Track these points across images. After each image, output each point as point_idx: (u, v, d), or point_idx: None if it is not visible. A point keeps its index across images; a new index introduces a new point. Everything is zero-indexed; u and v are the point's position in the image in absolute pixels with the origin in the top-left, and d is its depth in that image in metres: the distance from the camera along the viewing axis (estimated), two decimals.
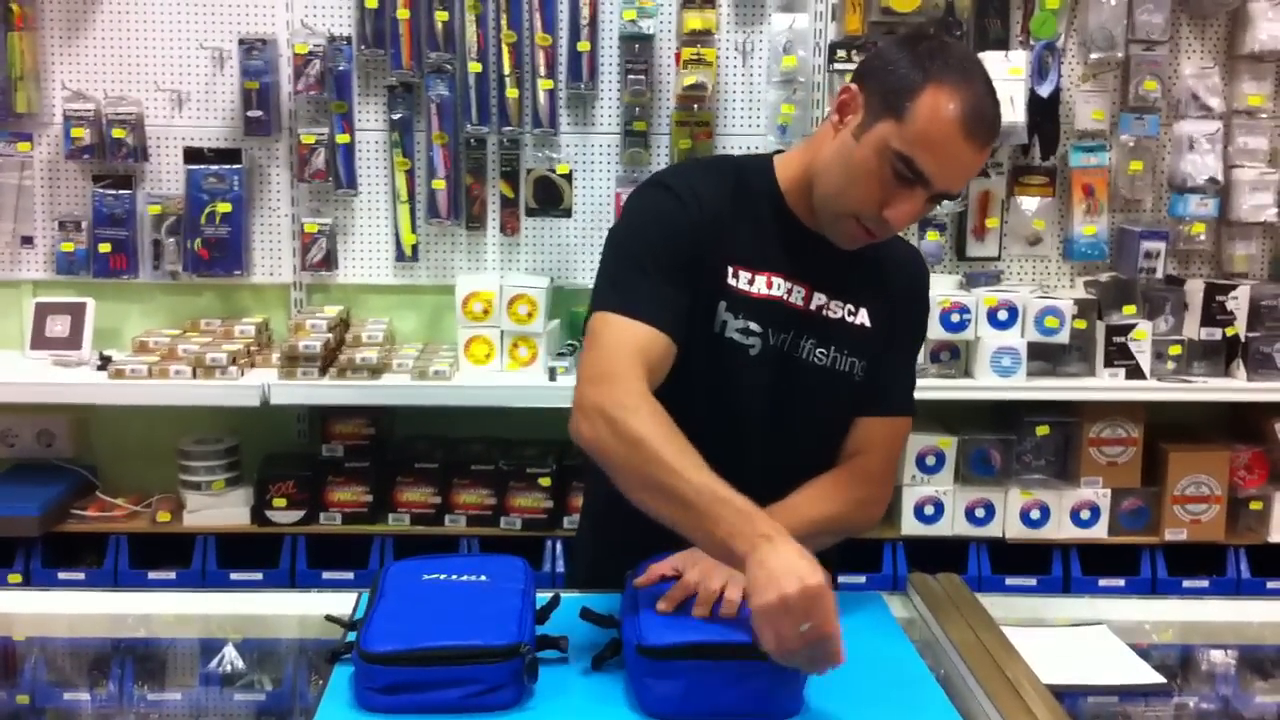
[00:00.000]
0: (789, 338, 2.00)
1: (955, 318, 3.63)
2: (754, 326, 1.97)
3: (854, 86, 1.89)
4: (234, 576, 3.62)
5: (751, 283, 1.98)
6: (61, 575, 3.61)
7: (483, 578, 1.79)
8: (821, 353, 2.02)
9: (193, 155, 3.75)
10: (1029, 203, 3.88)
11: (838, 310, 2.03)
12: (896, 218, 1.86)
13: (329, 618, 1.82)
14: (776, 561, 1.60)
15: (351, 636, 1.70)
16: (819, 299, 2.02)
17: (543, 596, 1.84)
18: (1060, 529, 3.78)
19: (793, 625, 1.57)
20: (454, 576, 1.80)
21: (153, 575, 3.63)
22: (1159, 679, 1.94)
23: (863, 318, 2.05)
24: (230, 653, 2.05)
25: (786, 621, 1.57)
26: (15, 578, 3.57)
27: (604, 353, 1.87)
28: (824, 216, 1.97)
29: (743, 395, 2.01)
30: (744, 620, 1.67)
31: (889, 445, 2.13)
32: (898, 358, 2.13)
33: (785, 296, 2.00)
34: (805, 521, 1.90)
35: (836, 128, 1.92)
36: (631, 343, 1.86)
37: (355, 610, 1.87)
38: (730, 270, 1.97)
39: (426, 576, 1.79)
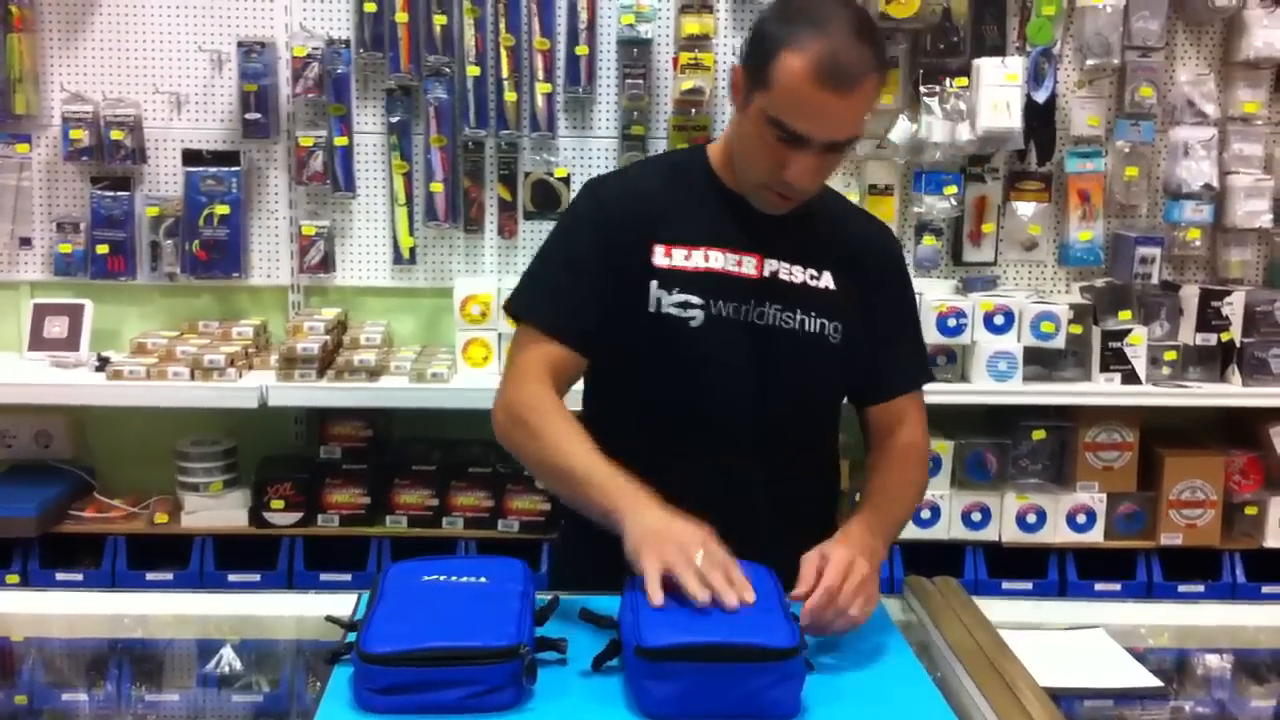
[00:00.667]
0: (744, 306, 2.06)
1: (952, 322, 3.64)
2: (693, 299, 2.04)
3: (738, 66, 2.01)
4: (231, 578, 3.62)
5: (688, 258, 2.06)
6: (59, 576, 3.61)
7: (482, 579, 1.79)
8: (789, 316, 2.07)
9: (191, 157, 3.75)
10: (1025, 208, 3.89)
11: (798, 275, 2.09)
12: (797, 178, 1.95)
13: (329, 618, 1.82)
14: (650, 516, 1.81)
15: (351, 637, 1.70)
16: (772, 265, 2.08)
17: (542, 598, 1.84)
18: (1056, 533, 3.79)
19: (679, 553, 1.73)
20: (453, 578, 1.80)
21: (150, 576, 3.63)
22: (1155, 682, 1.95)
23: (827, 281, 2.10)
24: (228, 654, 2.05)
25: (671, 548, 1.74)
26: (13, 578, 3.57)
27: (514, 362, 2.09)
28: (745, 189, 2.06)
29: (698, 367, 2.06)
30: (742, 621, 1.68)
31: (918, 417, 2.22)
32: (900, 334, 2.21)
33: (730, 268, 2.06)
34: (894, 521, 2.11)
35: (736, 108, 2.03)
36: (538, 353, 2.06)
37: (355, 611, 1.88)
38: (661, 250, 2.05)
39: (426, 578, 1.79)
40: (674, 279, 2.05)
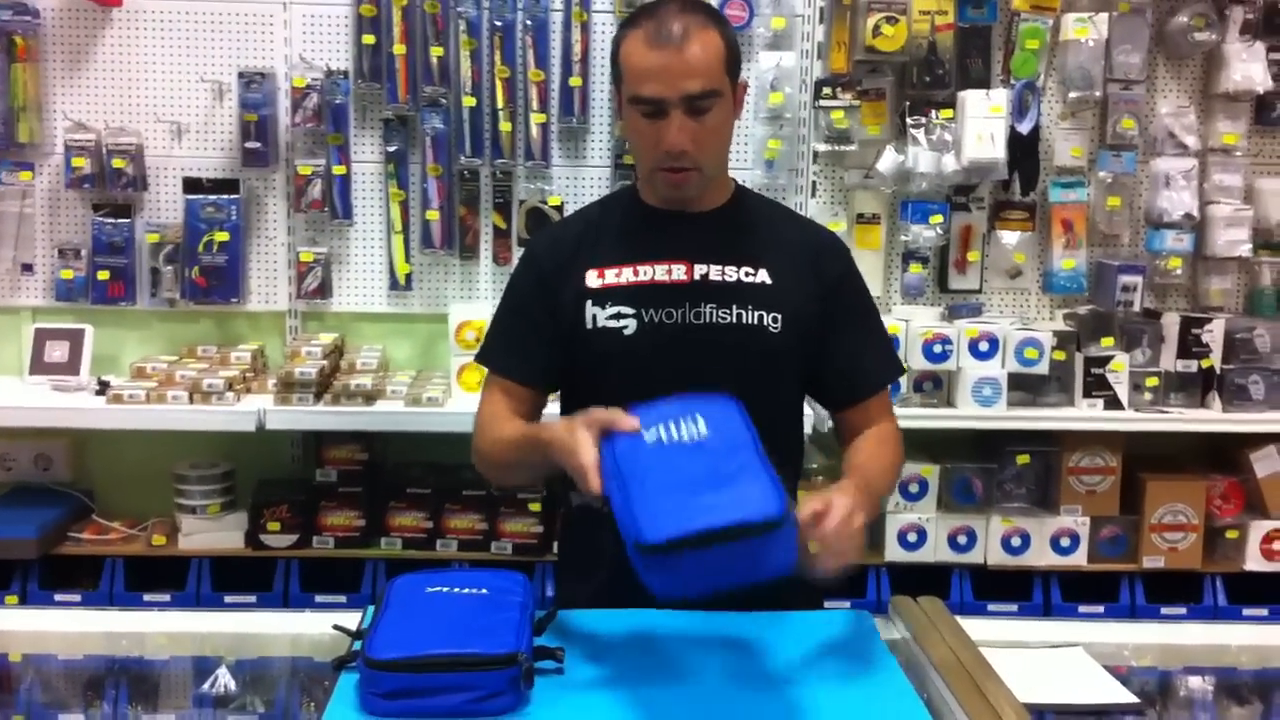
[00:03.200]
0: (678, 310, 2.14)
1: (937, 348, 3.69)
2: (625, 310, 2.14)
3: (614, 87, 2.17)
4: (228, 599, 3.65)
5: (619, 275, 2.16)
6: (58, 597, 3.63)
7: (483, 590, 1.85)
8: (724, 312, 2.14)
9: (191, 185, 3.79)
10: (1009, 237, 3.94)
11: (731, 274, 2.16)
12: (671, 143, 2.06)
13: (336, 627, 1.87)
14: (553, 430, 1.96)
15: (357, 645, 1.76)
16: (702, 269, 2.16)
17: (541, 610, 1.89)
18: (1041, 556, 3.82)
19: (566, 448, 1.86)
20: (456, 589, 1.85)
21: (147, 598, 3.65)
22: (1133, 699, 1.98)
23: (763, 276, 2.17)
24: (224, 673, 2.07)
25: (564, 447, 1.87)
26: (12, 599, 3.59)
27: (481, 403, 2.27)
28: (648, 184, 2.20)
29: (637, 373, 2.12)
30: (738, 493, 1.69)
31: (885, 412, 2.27)
32: (864, 335, 2.26)
33: (659, 277, 2.15)
34: (877, 488, 2.11)
35: (620, 121, 2.17)
36: (498, 393, 2.24)
37: (362, 621, 1.92)
38: (594, 274, 2.17)
39: (430, 589, 1.85)
40: (606, 295, 2.15)
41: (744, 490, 1.70)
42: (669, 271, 2.15)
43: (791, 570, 1.70)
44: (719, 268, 2.16)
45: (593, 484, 1.78)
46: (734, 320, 2.14)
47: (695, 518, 1.64)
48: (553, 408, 2.30)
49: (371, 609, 1.91)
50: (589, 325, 2.15)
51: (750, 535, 1.64)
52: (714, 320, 2.14)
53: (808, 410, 2.36)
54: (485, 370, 2.30)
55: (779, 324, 2.15)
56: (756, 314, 2.14)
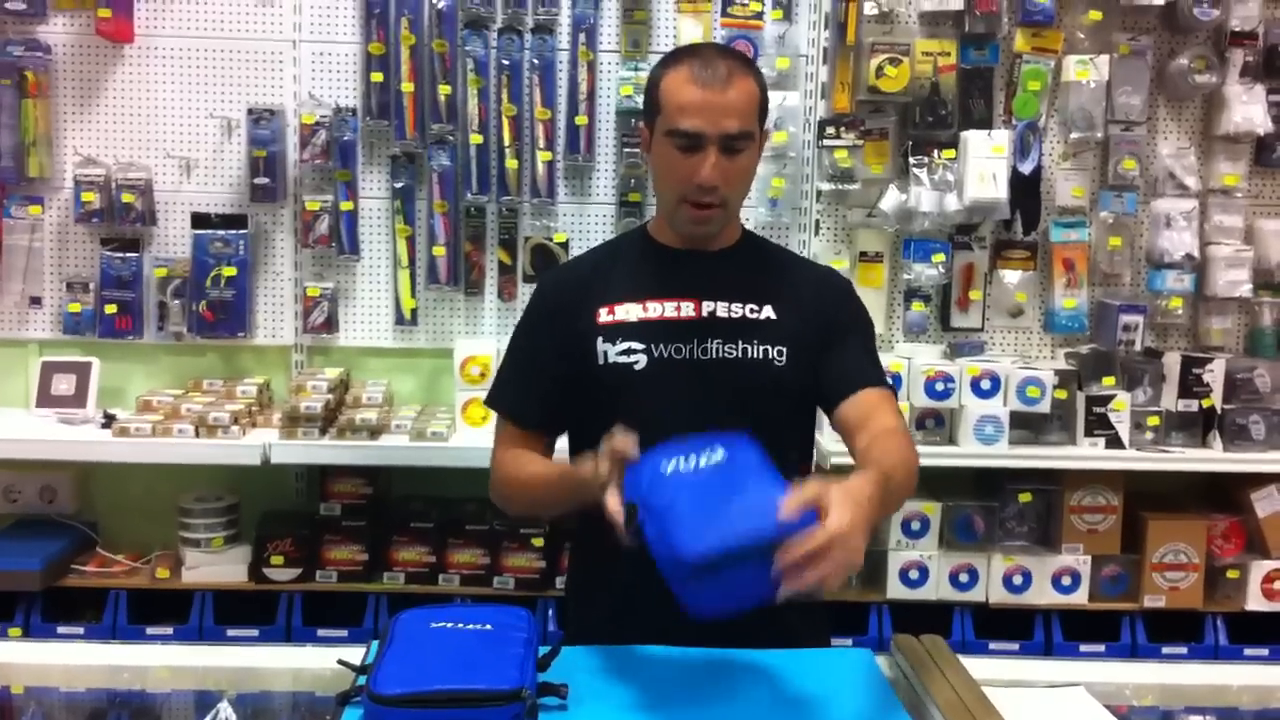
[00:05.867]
0: (686, 346, 2.18)
1: (939, 386, 3.69)
2: (635, 346, 2.18)
3: (641, 124, 2.26)
4: (231, 633, 3.65)
5: (629, 311, 2.21)
6: (61, 630, 3.63)
7: (488, 626, 1.86)
8: (730, 348, 2.19)
9: (199, 220, 3.82)
10: (1011, 276, 3.96)
11: (737, 310, 2.21)
12: (705, 178, 2.11)
13: (341, 661, 1.87)
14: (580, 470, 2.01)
15: (361, 680, 1.76)
16: (709, 306, 2.21)
17: (545, 647, 1.90)
18: (1042, 594, 3.82)
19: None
20: (460, 625, 1.86)
21: (151, 631, 3.66)
22: None
23: (768, 313, 2.21)
24: (225, 708, 2.07)
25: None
26: (15, 631, 3.59)
27: (495, 445, 2.34)
28: (670, 219, 2.22)
29: (647, 407, 2.13)
30: (762, 509, 1.69)
31: (890, 407, 2.21)
32: (855, 347, 2.26)
33: (669, 314, 2.20)
34: (891, 487, 1.98)
35: (648, 157, 2.23)
36: (510, 438, 2.32)
37: (366, 656, 1.93)
38: (605, 311, 2.21)
39: (434, 624, 1.85)
40: (617, 331, 2.20)
41: (769, 502, 1.70)
42: (678, 308, 2.20)
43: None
44: (726, 305, 2.21)
45: (619, 526, 1.83)
46: (740, 355, 2.19)
47: (729, 533, 1.67)
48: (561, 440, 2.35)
49: (376, 643, 1.92)
50: (600, 361, 2.19)
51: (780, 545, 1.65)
52: (720, 355, 2.18)
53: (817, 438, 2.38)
54: (493, 413, 2.36)
55: (784, 357, 2.19)
56: (762, 348, 2.19)
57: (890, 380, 2.34)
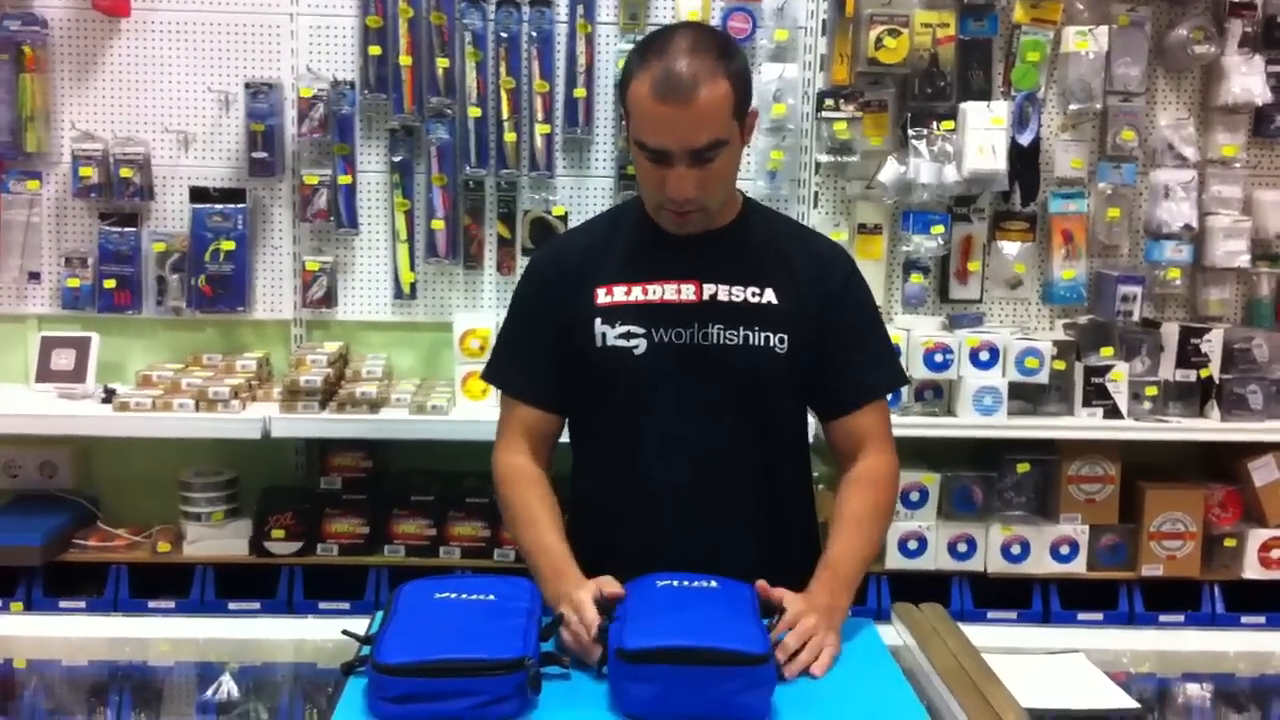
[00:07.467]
0: (687, 330, 2.16)
1: (938, 358, 3.70)
2: (635, 329, 2.16)
3: (621, 109, 2.20)
4: (232, 606, 3.65)
5: (628, 293, 2.18)
6: (62, 604, 3.64)
7: (491, 597, 1.87)
8: (732, 333, 2.16)
9: (198, 194, 3.81)
10: (1010, 247, 3.95)
11: (738, 295, 2.17)
12: (675, 191, 2.06)
13: (345, 632, 1.89)
14: (549, 592, 2.03)
15: (366, 650, 1.77)
16: (710, 289, 2.17)
17: (547, 616, 1.91)
18: (1040, 564, 3.84)
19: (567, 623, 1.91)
20: (464, 595, 1.87)
21: (152, 605, 3.66)
22: (1133, 704, 2.00)
23: (769, 297, 2.18)
24: (228, 680, 2.09)
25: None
26: (17, 606, 3.58)
27: (500, 421, 2.31)
28: (654, 216, 2.17)
29: (646, 391, 2.16)
30: (718, 628, 1.76)
31: (881, 432, 2.26)
32: (859, 344, 2.26)
33: (669, 297, 2.17)
34: (859, 561, 2.17)
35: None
36: (512, 416, 2.29)
37: (370, 626, 1.94)
38: (603, 291, 2.18)
39: (438, 595, 1.87)
40: (616, 314, 2.17)
41: (733, 627, 1.79)
42: (678, 291, 2.17)
43: None
44: (727, 288, 2.17)
45: (592, 655, 1.85)
46: (741, 341, 2.16)
47: (676, 635, 1.73)
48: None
49: (380, 614, 1.93)
50: (599, 344, 2.17)
51: (725, 664, 1.71)
52: (721, 341, 2.16)
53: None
54: (492, 387, 2.34)
55: (785, 345, 2.17)
56: (763, 335, 2.16)
57: (888, 370, 2.31)
